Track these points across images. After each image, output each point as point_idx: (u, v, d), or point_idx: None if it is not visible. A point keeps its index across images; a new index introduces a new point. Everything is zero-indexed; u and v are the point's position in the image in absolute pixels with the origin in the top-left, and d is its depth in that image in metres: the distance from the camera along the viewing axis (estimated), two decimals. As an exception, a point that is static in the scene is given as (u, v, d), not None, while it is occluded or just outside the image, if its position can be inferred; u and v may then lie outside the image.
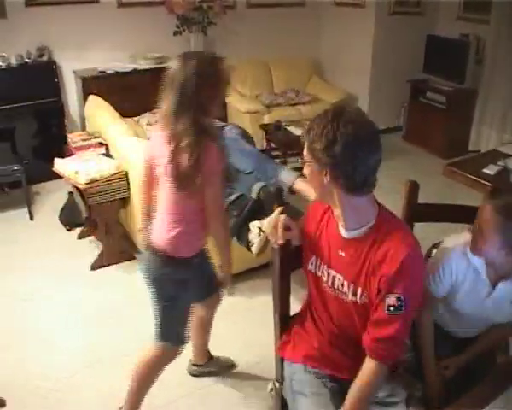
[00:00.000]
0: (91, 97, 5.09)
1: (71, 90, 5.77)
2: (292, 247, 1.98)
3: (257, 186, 3.36)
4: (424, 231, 2.35)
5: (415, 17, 6.70)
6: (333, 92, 6.80)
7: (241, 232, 3.20)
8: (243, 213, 3.25)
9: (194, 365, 3.06)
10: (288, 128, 5.57)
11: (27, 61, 5.26)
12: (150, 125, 5.40)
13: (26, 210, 4.78)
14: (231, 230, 3.12)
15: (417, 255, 1.72)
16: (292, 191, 3.32)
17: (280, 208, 2.02)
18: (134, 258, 4.16)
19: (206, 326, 2.87)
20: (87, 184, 3.71)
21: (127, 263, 4.12)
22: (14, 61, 5.19)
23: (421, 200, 2.48)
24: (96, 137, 4.46)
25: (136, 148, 3.91)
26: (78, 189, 3.94)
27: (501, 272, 2.01)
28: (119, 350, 3.27)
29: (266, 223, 3.07)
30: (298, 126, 5.45)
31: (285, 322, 2.14)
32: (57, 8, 5.38)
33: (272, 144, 5.86)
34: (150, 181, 2.35)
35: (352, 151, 1.59)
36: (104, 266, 4.06)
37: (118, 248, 4.12)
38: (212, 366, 3.07)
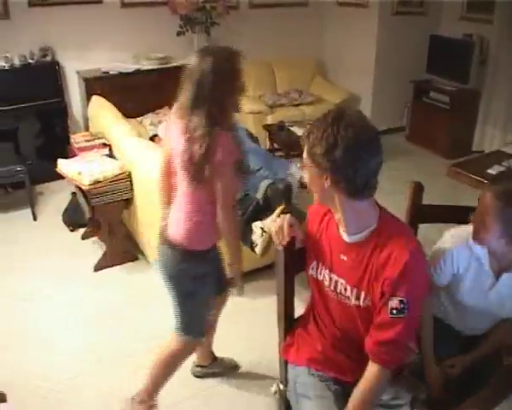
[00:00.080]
0: (94, 98, 5.09)
1: (74, 91, 5.77)
2: (296, 248, 1.97)
3: (264, 184, 3.36)
4: (429, 233, 2.34)
5: (418, 17, 6.68)
6: (336, 92, 6.80)
7: (245, 233, 3.20)
8: (247, 213, 3.25)
9: (198, 366, 3.06)
10: (292, 129, 5.56)
11: (30, 61, 5.26)
12: (153, 125, 5.40)
13: (29, 210, 4.79)
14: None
15: (420, 258, 1.71)
16: (303, 185, 3.31)
17: (281, 207, 2.01)
18: (137, 259, 4.17)
19: (210, 327, 2.87)
20: (90, 184, 3.71)
21: (130, 264, 4.13)
22: (17, 62, 5.19)
23: (425, 201, 2.47)
24: (99, 138, 4.46)
25: (140, 148, 3.92)
26: (81, 189, 3.94)
27: (504, 264, 2.01)
28: (119, 350, 3.27)
29: (268, 223, 3.06)
30: (301, 127, 5.44)
31: (289, 324, 2.13)
32: (60, 8, 5.38)
33: (275, 145, 5.85)
34: (168, 173, 2.41)
35: (353, 155, 1.58)
36: (107, 266, 4.05)
37: (121, 248, 4.11)
38: (216, 367, 3.06)
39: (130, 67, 5.70)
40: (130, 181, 3.89)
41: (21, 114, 5.19)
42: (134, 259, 4.16)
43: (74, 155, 4.26)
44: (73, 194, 4.60)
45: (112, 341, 3.35)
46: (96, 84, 5.41)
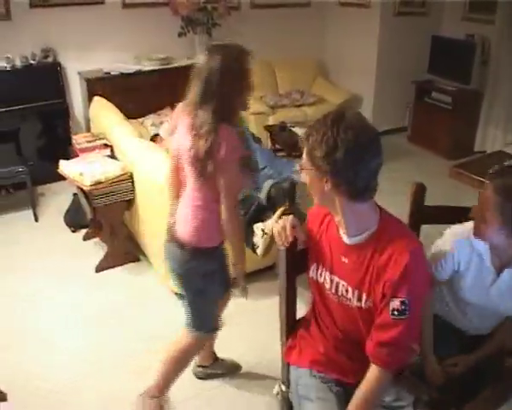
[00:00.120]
0: (96, 99, 5.09)
1: (75, 92, 5.77)
2: (298, 249, 1.97)
3: (267, 184, 3.36)
4: (431, 234, 2.33)
5: (420, 17, 6.68)
6: (338, 93, 6.80)
7: (247, 234, 3.19)
8: (249, 213, 3.25)
9: (199, 366, 3.05)
10: (293, 129, 5.56)
11: (32, 62, 5.26)
12: (155, 126, 5.40)
13: (30, 211, 4.78)
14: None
15: (421, 259, 1.71)
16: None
17: (282, 209, 2.01)
18: (139, 260, 4.16)
19: None
20: (92, 185, 3.71)
21: (132, 265, 4.13)
22: (18, 63, 5.18)
23: (426, 202, 2.46)
24: (100, 139, 4.45)
25: (141, 149, 3.92)
26: (82, 190, 3.94)
27: (505, 260, 2.02)
28: (120, 351, 3.28)
29: (269, 224, 3.06)
30: (303, 128, 5.42)
31: (291, 326, 2.12)
32: (62, 9, 5.38)
33: (277, 146, 5.84)
34: (177, 169, 2.41)
35: (353, 157, 1.57)
36: (109, 267, 4.05)
37: (122, 249, 4.11)
38: (217, 368, 3.06)
39: (131, 67, 5.69)
40: (132, 182, 3.89)
41: (23, 114, 5.19)
42: (135, 260, 4.16)
43: (76, 156, 4.25)
44: (75, 195, 4.60)
45: (113, 341, 3.35)
46: (98, 85, 5.40)
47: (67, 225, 4.66)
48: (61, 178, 4.09)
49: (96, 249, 4.29)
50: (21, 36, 5.20)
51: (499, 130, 6.18)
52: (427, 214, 2.44)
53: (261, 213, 3.23)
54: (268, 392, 2.70)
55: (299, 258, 1.97)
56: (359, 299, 1.78)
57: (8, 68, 5.11)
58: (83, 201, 4.15)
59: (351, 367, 1.92)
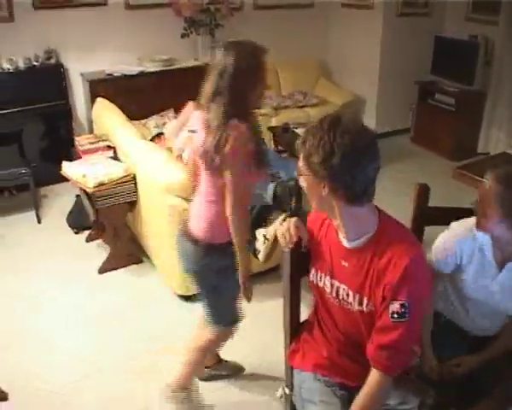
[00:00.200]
0: (99, 100, 5.08)
1: (78, 93, 5.77)
2: (302, 250, 1.95)
3: (273, 184, 3.36)
4: (435, 235, 2.32)
5: (423, 18, 6.66)
6: (341, 94, 6.78)
7: (249, 239, 3.19)
8: (251, 215, 3.24)
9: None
10: (296, 130, 5.54)
11: (35, 64, 5.26)
12: (158, 127, 5.40)
13: (33, 213, 4.79)
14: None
15: (421, 261, 1.70)
16: None
17: (284, 215, 2.01)
18: (141, 261, 4.16)
19: None
20: (95, 187, 3.71)
21: (134, 266, 4.12)
22: (21, 64, 5.19)
23: (429, 203, 2.47)
24: (103, 140, 4.45)
25: (144, 151, 3.91)
26: (85, 192, 3.93)
27: (507, 254, 2.03)
28: (120, 351, 3.28)
29: (271, 230, 3.06)
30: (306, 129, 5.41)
31: (295, 328, 2.12)
32: (65, 11, 5.39)
33: (280, 147, 5.83)
34: (196, 167, 2.44)
35: (350, 162, 1.56)
36: (112, 269, 4.05)
37: (125, 251, 4.11)
38: (221, 370, 3.06)
39: (134, 69, 5.69)
40: (135, 184, 3.88)
41: (26, 116, 5.19)
42: (138, 261, 4.16)
43: (78, 158, 4.26)
44: (78, 196, 4.60)
45: (114, 342, 3.36)
46: (101, 87, 5.40)
47: (70, 226, 4.66)
48: (64, 179, 4.09)
49: (98, 251, 4.28)
50: (24, 37, 5.20)
51: (502, 131, 6.17)
52: (431, 215, 2.44)
53: (267, 212, 3.23)
54: (271, 394, 2.70)
55: (303, 260, 1.96)
56: (360, 303, 1.77)
57: (11, 70, 5.12)
58: (86, 202, 4.15)
59: (354, 370, 1.91)
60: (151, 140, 4.93)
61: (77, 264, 4.13)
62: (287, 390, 2.15)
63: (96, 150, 4.28)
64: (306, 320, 2.16)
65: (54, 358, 3.22)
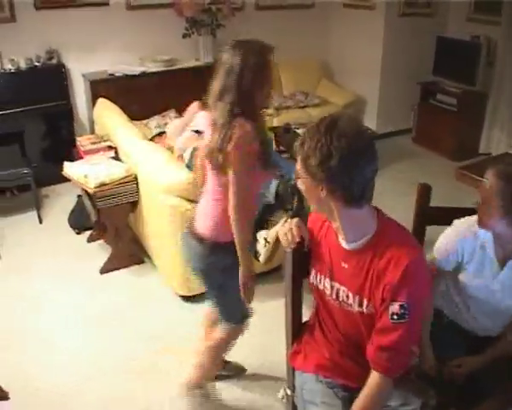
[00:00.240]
0: (100, 100, 5.09)
1: (80, 93, 5.77)
2: (304, 249, 1.95)
3: (275, 183, 3.36)
4: (436, 235, 2.32)
5: (424, 18, 6.65)
6: (342, 95, 6.77)
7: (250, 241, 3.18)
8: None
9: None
10: (298, 131, 5.54)
11: (36, 64, 5.26)
12: (159, 127, 5.39)
13: (35, 213, 4.79)
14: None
15: (421, 262, 1.70)
16: None
17: (284, 218, 2.00)
18: (143, 262, 4.16)
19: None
20: (96, 187, 3.70)
21: (136, 267, 4.12)
22: (23, 65, 5.20)
23: (431, 203, 2.47)
24: (105, 141, 4.45)
25: (146, 151, 3.91)
26: (87, 192, 3.93)
27: (508, 251, 2.04)
28: (121, 351, 3.28)
29: (272, 232, 3.06)
30: (307, 129, 5.40)
31: (297, 329, 2.11)
32: (66, 11, 5.38)
33: (281, 147, 5.82)
34: (202, 164, 2.46)
35: (348, 164, 1.56)
36: (113, 269, 4.05)
37: (127, 251, 4.11)
38: (223, 370, 3.05)
39: (135, 69, 5.69)
40: (136, 184, 3.88)
41: (27, 116, 5.19)
42: (140, 262, 4.16)
43: (80, 158, 4.25)
44: (79, 196, 4.60)
45: (115, 343, 3.36)
46: (102, 87, 5.40)
47: (72, 226, 4.66)
48: (66, 179, 4.09)
49: (100, 251, 4.28)
50: (26, 38, 5.19)
51: (504, 132, 6.15)
52: (433, 215, 2.44)
53: (270, 212, 3.23)
54: (273, 395, 2.70)
55: (305, 260, 1.95)
56: (360, 304, 1.77)
57: (12, 70, 5.12)
58: (87, 203, 4.15)
59: (356, 371, 1.91)
60: (151, 139, 4.92)
61: (78, 264, 4.13)
62: (288, 391, 2.15)
63: (97, 151, 4.28)
64: (307, 322, 2.15)
65: (54, 358, 3.22)
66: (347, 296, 1.80)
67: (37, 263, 4.15)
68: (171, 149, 4.51)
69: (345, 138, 1.56)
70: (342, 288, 1.81)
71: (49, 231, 4.64)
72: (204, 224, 2.38)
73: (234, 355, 3.08)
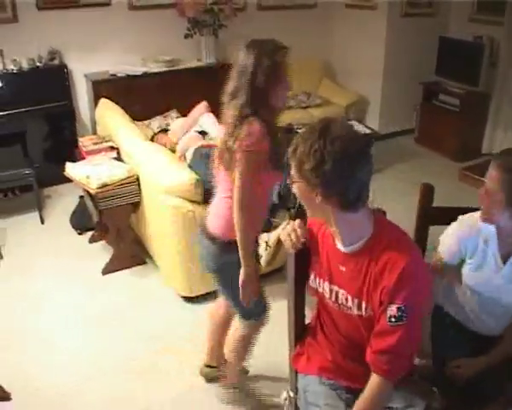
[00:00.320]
0: (102, 101, 5.09)
1: (82, 94, 5.76)
2: (306, 251, 1.94)
3: (277, 185, 3.36)
4: (439, 235, 2.32)
5: (427, 19, 6.64)
6: (344, 95, 6.77)
7: None
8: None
9: (207, 366, 3.03)
10: (300, 131, 5.53)
11: (38, 64, 5.26)
12: (161, 128, 5.39)
13: (36, 214, 4.78)
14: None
15: (418, 264, 1.68)
16: None
17: (286, 221, 1.99)
18: (145, 262, 4.15)
19: (225, 326, 2.86)
20: (98, 188, 3.70)
21: (139, 267, 4.12)
22: (25, 65, 5.19)
23: (433, 203, 2.46)
24: (107, 141, 4.45)
25: (148, 152, 3.91)
26: (89, 193, 3.92)
27: (511, 246, 2.03)
28: (121, 352, 3.28)
29: (273, 236, 3.05)
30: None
31: (300, 331, 2.10)
32: (68, 11, 5.38)
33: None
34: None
35: (342, 169, 1.55)
36: (115, 270, 4.04)
37: (129, 252, 4.10)
38: (225, 371, 3.04)
39: (137, 69, 5.69)
40: (138, 185, 3.87)
41: (29, 117, 5.19)
42: (142, 263, 4.15)
43: (82, 159, 4.25)
44: (81, 197, 4.60)
45: (115, 343, 3.36)
46: (104, 87, 5.40)
47: (73, 227, 4.65)
48: (68, 180, 4.08)
49: (102, 252, 4.28)
50: (28, 38, 5.19)
51: (507, 132, 6.14)
52: (435, 215, 2.44)
53: (273, 211, 3.23)
54: (275, 397, 2.69)
55: (308, 262, 1.94)
56: (359, 307, 1.76)
57: (14, 71, 5.13)
58: (89, 203, 4.15)
59: (359, 373, 1.89)
60: (152, 137, 4.90)
61: (80, 265, 4.13)
62: (291, 394, 2.14)
63: (99, 151, 4.28)
64: (309, 324, 2.15)
65: (54, 358, 3.22)
66: (346, 299, 1.80)
67: (39, 263, 4.15)
68: (173, 148, 4.51)
69: (338, 142, 1.55)
70: (341, 291, 1.81)
71: (51, 232, 4.64)
72: (216, 223, 2.39)
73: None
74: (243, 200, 2.22)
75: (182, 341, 3.34)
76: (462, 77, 6.21)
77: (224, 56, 6.06)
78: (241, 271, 2.35)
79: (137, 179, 3.86)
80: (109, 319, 3.56)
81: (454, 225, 2.21)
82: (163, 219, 3.51)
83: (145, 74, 5.68)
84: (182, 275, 3.54)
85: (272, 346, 3.16)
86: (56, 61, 5.38)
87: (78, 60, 5.57)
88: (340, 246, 1.77)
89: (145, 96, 5.55)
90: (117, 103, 4.94)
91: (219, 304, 2.80)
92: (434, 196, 2.43)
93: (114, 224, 3.95)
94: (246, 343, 2.72)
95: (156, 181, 3.54)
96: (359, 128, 5.55)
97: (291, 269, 1.94)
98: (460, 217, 2.20)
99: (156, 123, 5.50)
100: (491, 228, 2.04)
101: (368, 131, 5.53)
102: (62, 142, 5.39)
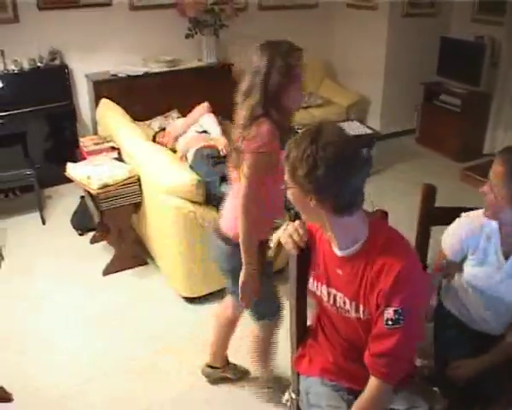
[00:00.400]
0: (103, 101, 5.08)
1: (82, 94, 5.76)
2: (307, 252, 1.93)
3: None
4: (441, 235, 2.32)
5: (428, 19, 6.63)
6: (345, 95, 6.76)
7: None
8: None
9: (209, 366, 3.02)
10: (300, 131, 5.52)
11: (39, 64, 5.25)
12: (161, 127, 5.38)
13: (37, 214, 4.78)
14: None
15: (414, 266, 1.68)
16: None
17: (286, 223, 1.99)
18: (146, 263, 4.15)
19: (230, 327, 2.85)
20: (99, 189, 3.69)
21: (140, 268, 4.11)
22: (26, 65, 5.19)
23: (435, 203, 2.45)
24: (108, 142, 4.45)
25: (149, 152, 3.90)
26: (90, 193, 3.92)
27: None
28: (121, 352, 3.28)
29: (274, 238, 3.05)
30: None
31: (301, 334, 2.09)
32: (69, 11, 5.37)
33: (284, 148, 5.81)
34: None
35: (335, 174, 1.55)
36: (116, 271, 4.04)
37: (130, 253, 4.09)
38: (228, 372, 3.04)
39: (138, 69, 5.68)
40: (140, 185, 3.87)
41: (30, 117, 5.18)
42: (143, 263, 4.15)
43: (83, 159, 4.25)
44: (82, 197, 4.59)
45: (115, 343, 3.36)
46: (105, 87, 5.40)
47: (74, 227, 4.65)
48: (69, 180, 4.07)
49: (103, 253, 4.27)
50: (29, 38, 5.18)
51: (508, 132, 6.13)
52: (437, 216, 2.44)
53: None
54: (277, 398, 2.69)
55: (309, 263, 1.93)
56: (357, 310, 1.76)
57: (15, 71, 5.12)
58: (90, 204, 4.14)
59: (361, 374, 1.87)
60: (154, 137, 4.89)
61: (81, 265, 4.12)
62: (293, 395, 2.14)
63: (100, 151, 4.27)
64: (310, 326, 2.14)
65: (54, 358, 3.22)
66: (344, 302, 1.79)
67: (40, 264, 4.15)
68: (173, 150, 4.50)
69: (330, 147, 1.54)
70: (339, 294, 1.81)
71: (52, 232, 4.63)
72: (228, 224, 2.39)
73: (238, 358, 3.08)
74: (248, 201, 2.22)
75: (182, 341, 3.34)
76: (464, 77, 6.20)
77: (224, 56, 6.06)
78: (242, 271, 2.34)
79: (138, 180, 3.86)
80: (109, 319, 3.55)
81: (455, 223, 2.21)
82: (164, 220, 3.50)
83: (146, 74, 5.67)
84: (183, 275, 3.54)
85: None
86: (57, 62, 5.38)
87: (79, 60, 5.57)
88: (336, 250, 1.77)
89: (146, 97, 5.55)
90: (118, 103, 4.94)
91: (226, 305, 2.78)
92: (436, 197, 2.43)
93: (115, 224, 3.94)
94: (265, 345, 2.74)
95: (157, 181, 3.53)
96: (360, 128, 5.56)
97: (293, 270, 1.93)
98: (463, 214, 2.20)
99: (157, 123, 5.50)
100: (494, 224, 2.05)
101: (369, 131, 5.53)
102: (63, 142, 5.38)
